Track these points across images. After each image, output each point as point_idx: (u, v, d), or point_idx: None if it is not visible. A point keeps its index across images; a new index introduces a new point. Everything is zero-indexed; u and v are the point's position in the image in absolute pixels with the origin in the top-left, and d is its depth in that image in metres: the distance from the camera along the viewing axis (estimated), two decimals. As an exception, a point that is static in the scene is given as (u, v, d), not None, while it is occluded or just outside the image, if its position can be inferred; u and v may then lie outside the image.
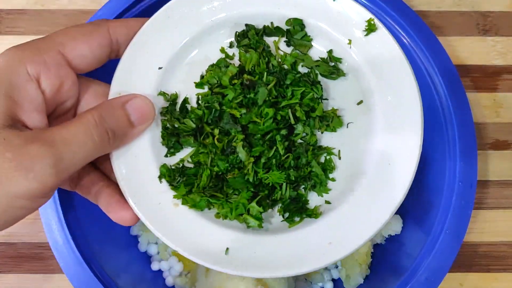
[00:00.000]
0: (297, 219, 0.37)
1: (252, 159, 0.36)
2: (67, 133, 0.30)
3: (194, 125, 0.37)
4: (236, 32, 0.39)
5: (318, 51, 0.40)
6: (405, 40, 0.48)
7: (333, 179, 0.38)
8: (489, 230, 0.55)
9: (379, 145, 0.38)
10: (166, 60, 0.38)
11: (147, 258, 0.54)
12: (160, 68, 0.37)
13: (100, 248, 0.46)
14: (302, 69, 0.40)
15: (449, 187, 0.45)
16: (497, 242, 0.54)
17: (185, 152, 0.38)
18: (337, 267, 0.54)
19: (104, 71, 0.37)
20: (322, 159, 0.39)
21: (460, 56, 0.59)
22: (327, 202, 0.37)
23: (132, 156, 0.36)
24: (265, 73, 0.37)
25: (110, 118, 0.32)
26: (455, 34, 0.60)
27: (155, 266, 0.53)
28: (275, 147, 0.37)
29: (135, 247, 0.54)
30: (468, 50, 0.59)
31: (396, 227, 0.51)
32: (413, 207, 0.49)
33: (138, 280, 0.51)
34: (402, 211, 0.48)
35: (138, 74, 0.36)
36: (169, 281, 0.53)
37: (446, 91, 0.47)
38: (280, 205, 0.37)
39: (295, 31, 0.40)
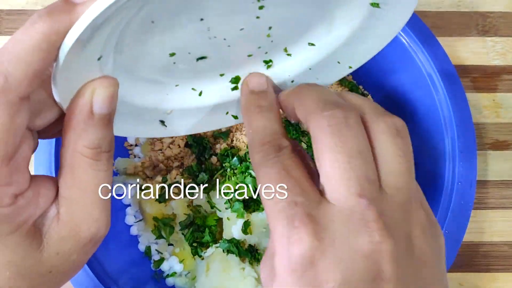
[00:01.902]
0: None
1: None
2: (79, 193, 0.28)
3: None
4: None
5: None
6: (404, 40, 0.48)
7: None
8: (489, 230, 0.54)
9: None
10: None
11: (147, 258, 0.54)
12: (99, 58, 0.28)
13: (100, 248, 0.46)
14: None
15: (448, 187, 0.45)
16: (497, 242, 0.54)
17: None
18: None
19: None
20: None
21: (460, 56, 0.59)
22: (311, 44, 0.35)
23: None
24: None
25: (93, 135, 0.27)
26: (455, 34, 0.60)
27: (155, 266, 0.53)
28: None
29: (135, 247, 0.54)
30: (467, 50, 0.59)
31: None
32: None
33: (138, 280, 0.51)
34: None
35: (80, 70, 0.27)
36: (169, 281, 0.53)
37: (446, 92, 0.47)
38: None
39: None
